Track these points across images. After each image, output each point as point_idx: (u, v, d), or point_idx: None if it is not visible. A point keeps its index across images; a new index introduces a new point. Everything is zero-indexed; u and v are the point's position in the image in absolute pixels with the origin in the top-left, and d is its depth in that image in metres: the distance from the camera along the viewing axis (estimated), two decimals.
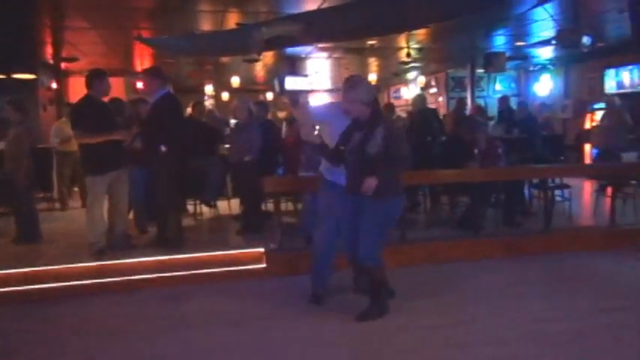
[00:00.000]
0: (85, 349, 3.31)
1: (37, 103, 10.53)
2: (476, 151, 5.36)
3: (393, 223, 3.65)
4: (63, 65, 10.90)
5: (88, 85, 4.80)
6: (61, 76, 11.51)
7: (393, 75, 14.57)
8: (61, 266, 4.52)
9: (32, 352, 3.31)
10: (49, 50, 9.65)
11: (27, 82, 10.32)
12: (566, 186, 6.36)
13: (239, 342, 3.37)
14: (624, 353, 3.09)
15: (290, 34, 5.66)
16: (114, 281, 4.41)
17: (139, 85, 11.57)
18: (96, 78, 4.79)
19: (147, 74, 5.06)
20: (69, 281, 4.36)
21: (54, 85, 11.24)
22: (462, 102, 8.55)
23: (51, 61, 10.53)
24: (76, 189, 8.23)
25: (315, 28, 5.60)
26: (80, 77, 5.31)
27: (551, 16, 6.84)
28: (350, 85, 3.46)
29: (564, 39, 6.19)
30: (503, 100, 9.66)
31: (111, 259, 4.64)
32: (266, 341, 3.36)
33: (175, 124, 4.85)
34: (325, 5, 6.26)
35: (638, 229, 5.66)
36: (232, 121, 8.98)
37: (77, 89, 8.51)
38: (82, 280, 4.39)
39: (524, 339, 3.28)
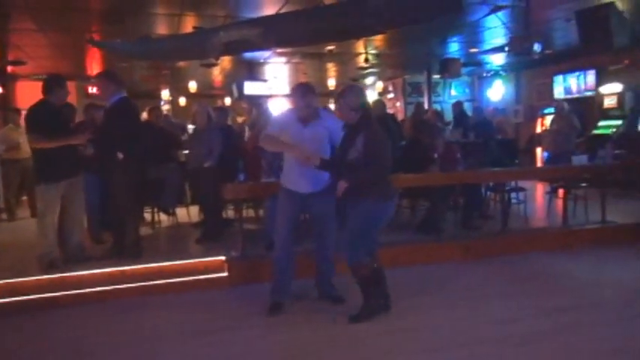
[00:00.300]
0: None
1: None
2: (435, 155, 5.44)
3: (377, 226, 3.66)
4: (9, 69, 10.41)
5: (47, 90, 4.59)
6: (7, 80, 10.98)
7: (352, 80, 14.67)
8: (8, 280, 4.28)
9: None
10: None
11: None
12: (522, 189, 6.55)
13: (201, 354, 3.28)
14: (586, 350, 3.17)
15: (248, 39, 5.59)
16: (67, 294, 4.21)
17: (92, 89, 11.21)
18: (56, 84, 4.62)
19: (101, 78, 4.88)
20: (17, 296, 4.13)
21: None
22: (420, 107, 8.69)
23: None
24: (24, 198, 7.88)
25: (273, 33, 5.55)
26: (28, 81, 5.08)
27: (504, 24, 7.05)
28: (340, 93, 3.62)
29: (516, 46, 6.39)
30: (457, 105, 9.89)
31: (63, 272, 4.43)
32: (229, 353, 3.28)
33: (132, 130, 4.69)
34: (284, 10, 6.23)
35: (589, 229, 5.89)
36: (190, 127, 8.81)
37: (25, 94, 8.14)
38: (32, 294, 4.17)
39: (488, 341, 3.32)
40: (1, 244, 5.70)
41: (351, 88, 3.74)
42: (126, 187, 4.64)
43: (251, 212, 6.56)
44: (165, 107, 13.23)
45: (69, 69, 10.45)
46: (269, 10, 6.46)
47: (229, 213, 6.51)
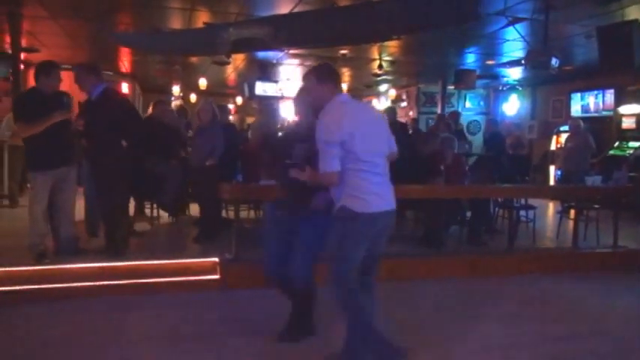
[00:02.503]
0: None
1: None
2: (442, 167, 5.28)
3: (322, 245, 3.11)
4: (22, 56, 10.41)
5: (34, 78, 4.47)
6: (19, 67, 10.98)
7: (365, 86, 14.54)
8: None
9: None
10: (6, 39, 9.18)
11: None
12: (531, 207, 6.34)
13: None
14: None
15: (258, 37, 5.47)
16: (54, 287, 4.09)
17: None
18: (42, 72, 4.43)
19: (80, 70, 4.61)
20: (5, 286, 4.03)
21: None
22: (442, 118, 8.51)
23: (9, 51, 10.03)
24: (28, 185, 7.83)
25: (283, 33, 5.43)
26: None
27: (522, 37, 6.86)
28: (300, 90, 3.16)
29: (533, 59, 6.20)
30: (454, 115, 9.72)
31: (52, 264, 4.32)
32: None
33: (117, 120, 4.50)
34: (297, 10, 6.11)
35: (599, 252, 5.67)
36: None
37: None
38: (18, 285, 4.06)
39: None
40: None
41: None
42: (113, 179, 4.51)
43: (252, 214, 6.42)
44: (175, 103, 13.16)
45: (83, 58, 10.43)
46: (282, 9, 6.34)
47: (230, 213, 6.38)
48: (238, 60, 10.54)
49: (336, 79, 2.93)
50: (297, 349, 3.27)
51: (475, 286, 4.74)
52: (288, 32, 5.63)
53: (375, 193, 2.78)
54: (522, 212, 6.45)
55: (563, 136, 10.15)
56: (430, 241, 5.32)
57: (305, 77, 2.98)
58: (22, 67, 10.98)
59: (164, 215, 6.46)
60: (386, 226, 2.90)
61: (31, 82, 10.72)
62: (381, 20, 5.21)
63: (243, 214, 6.14)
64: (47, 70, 4.44)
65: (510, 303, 4.38)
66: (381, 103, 15.62)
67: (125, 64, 11.71)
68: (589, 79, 10.71)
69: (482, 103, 14.69)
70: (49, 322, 3.64)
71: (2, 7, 7.06)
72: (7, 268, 4.21)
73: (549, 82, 12.04)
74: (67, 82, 4.83)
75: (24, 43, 9.24)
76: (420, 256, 5.20)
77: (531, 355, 3.32)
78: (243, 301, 4.13)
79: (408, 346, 3.05)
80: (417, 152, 5.48)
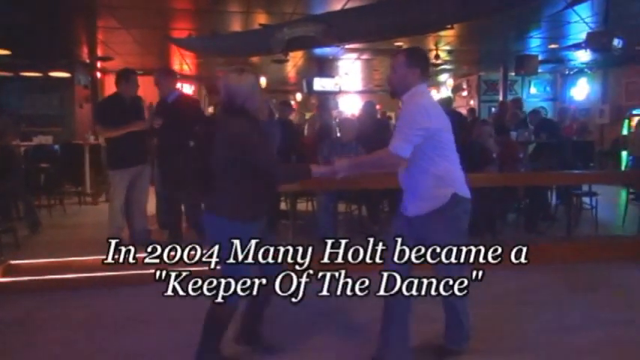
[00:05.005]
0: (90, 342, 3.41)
1: (73, 101, 10.96)
2: (494, 155, 5.24)
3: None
4: (99, 64, 11.27)
5: (115, 84, 4.95)
6: (97, 75, 11.90)
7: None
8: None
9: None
10: (84, 49, 9.99)
11: (64, 80, 10.73)
12: (594, 193, 6.15)
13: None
14: None
15: (311, 35, 5.68)
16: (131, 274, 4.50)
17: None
18: (122, 78, 4.90)
19: (161, 74, 5.03)
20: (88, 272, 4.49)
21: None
22: (503, 105, 8.34)
23: (87, 60, 10.90)
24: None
25: (335, 29, 5.60)
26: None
27: (582, 19, 6.63)
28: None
29: (593, 42, 5.98)
30: (516, 102, 9.47)
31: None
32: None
33: (192, 124, 4.86)
34: (348, 6, 6.26)
35: None
36: None
37: (112, 87, 8.84)
38: (100, 272, 4.50)
39: (532, 350, 3.18)
40: (80, 225, 6.19)
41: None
42: (180, 177, 4.87)
43: (309, 206, 6.65)
44: None
45: (153, 64, 11.15)
46: (334, 6, 6.51)
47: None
48: (297, 58, 10.82)
49: (424, 66, 2.82)
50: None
51: (530, 273, 4.69)
52: (339, 28, 5.80)
53: (463, 179, 2.84)
54: (586, 199, 6.25)
55: (636, 120, 9.65)
56: (480, 228, 5.29)
57: (394, 56, 2.87)
58: (98, 75, 11.95)
59: None
60: None
61: (108, 88, 11.66)
62: (433, 10, 5.26)
63: (300, 206, 6.37)
64: (127, 76, 4.90)
65: (564, 289, 4.32)
66: (440, 93, 15.42)
67: (190, 66, 12.34)
68: None
69: (548, 88, 14.17)
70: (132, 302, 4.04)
71: (79, 20, 7.73)
72: (90, 257, 4.69)
73: (621, 63, 11.43)
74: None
75: (99, 52, 10.04)
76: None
77: (582, 339, 3.31)
78: None
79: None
80: (470, 141, 5.48)
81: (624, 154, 10.56)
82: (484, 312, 3.71)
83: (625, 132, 10.85)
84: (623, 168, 10.10)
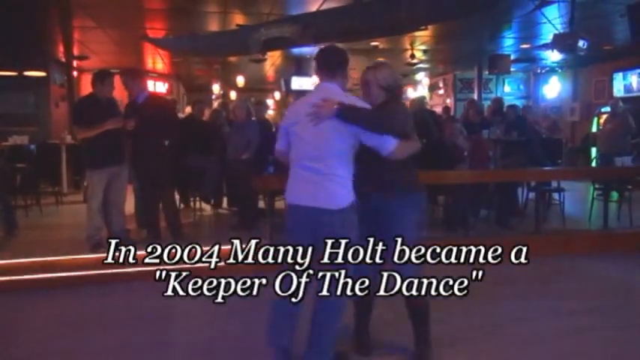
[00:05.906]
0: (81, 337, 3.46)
1: (48, 100, 10.84)
2: (465, 153, 5.41)
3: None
4: (75, 63, 11.17)
5: (91, 84, 4.98)
6: (73, 74, 11.78)
7: (402, 76, 14.62)
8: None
9: None
10: (60, 48, 9.91)
11: (39, 79, 10.61)
12: (561, 189, 6.38)
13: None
14: (587, 353, 3.14)
15: (287, 35, 5.77)
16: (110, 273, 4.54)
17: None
18: (98, 80, 4.92)
19: (127, 75, 5.06)
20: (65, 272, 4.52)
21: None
22: (472, 103, 8.53)
23: (63, 59, 10.80)
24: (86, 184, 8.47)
25: (311, 30, 5.71)
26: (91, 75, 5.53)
27: (549, 20, 6.85)
28: (372, 67, 2.88)
29: (560, 43, 6.19)
30: (497, 101, 9.63)
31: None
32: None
33: (164, 124, 4.96)
34: (324, 7, 6.37)
35: (630, 232, 5.67)
36: None
37: (88, 86, 8.81)
38: (76, 271, 4.54)
39: (491, 340, 3.33)
40: (57, 225, 6.18)
41: (385, 64, 2.92)
42: (154, 175, 4.94)
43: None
44: (217, 102, 13.70)
45: (129, 63, 11.09)
46: (310, 7, 6.61)
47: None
48: (275, 57, 10.89)
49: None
50: None
51: (496, 267, 4.86)
52: (315, 29, 5.91)
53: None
54: (555, 195, 6.47)
55: (604, 118, 9.96)
56: (451, 224, 5.47)
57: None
58: (75, 73, 11.83)
59: (206, 208, 6.90)
60: None
61: (84, 87, 11.57)
62: (404, 13, 5.39)
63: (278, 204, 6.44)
64: (102, 78, 4.92)
65: (528, 281, 4.51)
66: (416, 92, 15.65)
67: (167, 66, 12.31)
68: (631, 58, 10.44)
69: (521, 87, 14.50)
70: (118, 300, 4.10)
71: (55, 20, 7.69)
72: (68, 257, 4.71)
73: (591, 62, 11.77)
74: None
75: (75, 51, 9.96)
76: (443, 240, 5.34)
77: (539, 328, 3.48)
78: None
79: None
80: (441, 140, 5.65)
81: (594, 150, 10.92)
82: (451, 304, 3.87)
83: (594, 129, 11.18)
84: (593, 164, 10.43)
